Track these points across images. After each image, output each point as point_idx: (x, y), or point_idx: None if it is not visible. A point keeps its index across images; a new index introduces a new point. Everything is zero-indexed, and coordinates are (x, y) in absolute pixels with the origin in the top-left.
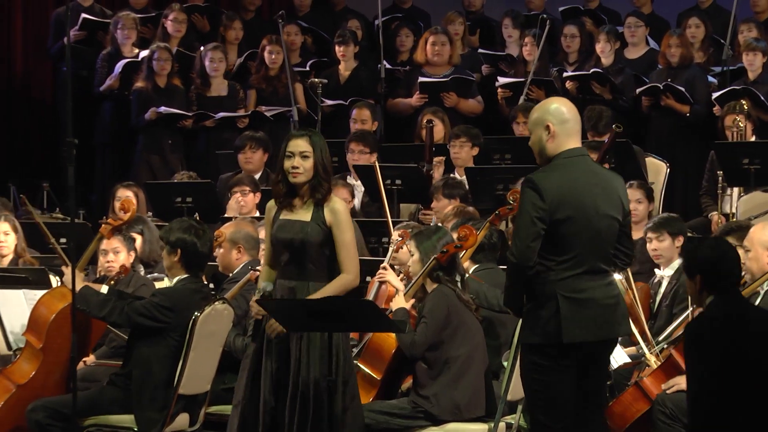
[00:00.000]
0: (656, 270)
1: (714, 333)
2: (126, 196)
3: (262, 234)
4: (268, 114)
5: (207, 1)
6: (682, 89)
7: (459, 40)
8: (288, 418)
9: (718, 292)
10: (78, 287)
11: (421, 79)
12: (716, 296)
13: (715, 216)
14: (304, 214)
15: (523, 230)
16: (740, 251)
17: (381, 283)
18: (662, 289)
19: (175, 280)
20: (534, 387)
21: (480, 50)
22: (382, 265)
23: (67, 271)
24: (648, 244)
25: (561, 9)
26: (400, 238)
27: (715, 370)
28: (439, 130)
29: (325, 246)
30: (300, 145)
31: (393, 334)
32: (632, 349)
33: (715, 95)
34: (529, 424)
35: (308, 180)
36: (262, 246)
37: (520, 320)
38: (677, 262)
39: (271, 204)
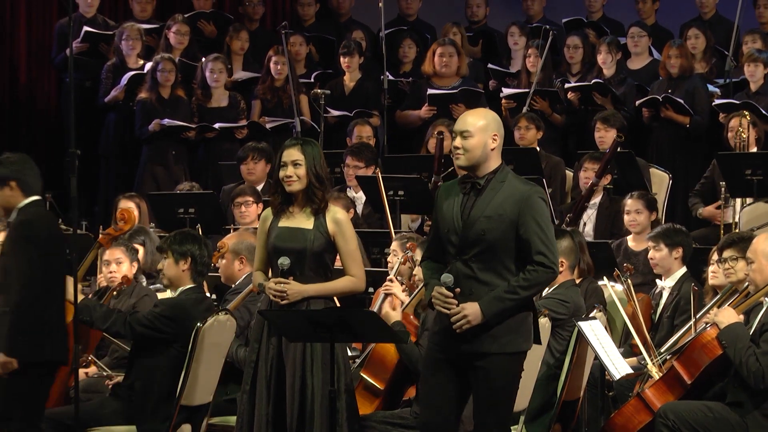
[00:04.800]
0: (657, 281)
1: None
2: (127, 206)
3: None
4: (268, 126)
5: (213, 8)
6: (681, 101)
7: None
8: (289, 427)
9: None
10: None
11: (430, 91)
12: None
13: (703, 212)
14: (305, 222)
15: None
16: (742, 263)
17: (387, 295)
18: (663, 300)
19: (179, 290)
20: None
21: (489, 66)
22: (389, 278)
23: None
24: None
25: (564, 20)
26: (408, 252)
27: None
28: (447, 144)
29: (325, 254)
30: (292, 154)
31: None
32: (633, 360)
33: (715, 102)
34: None
35: (302, 188)
36: None
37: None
38: (678, 273)
39: (267, 213)
